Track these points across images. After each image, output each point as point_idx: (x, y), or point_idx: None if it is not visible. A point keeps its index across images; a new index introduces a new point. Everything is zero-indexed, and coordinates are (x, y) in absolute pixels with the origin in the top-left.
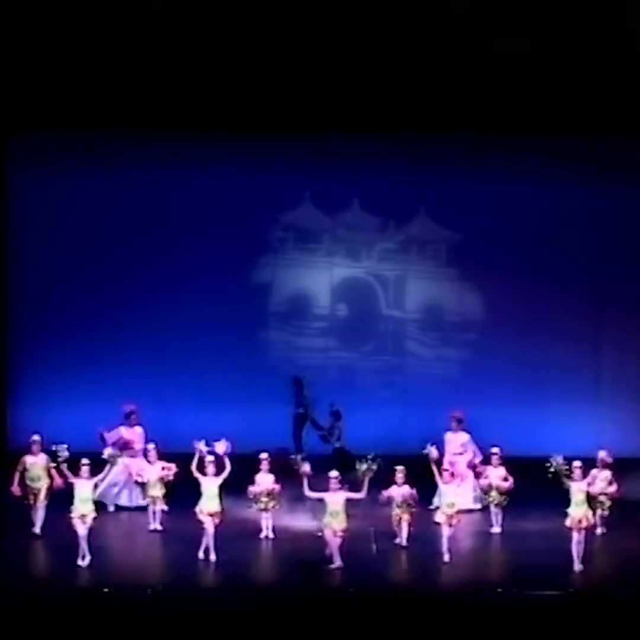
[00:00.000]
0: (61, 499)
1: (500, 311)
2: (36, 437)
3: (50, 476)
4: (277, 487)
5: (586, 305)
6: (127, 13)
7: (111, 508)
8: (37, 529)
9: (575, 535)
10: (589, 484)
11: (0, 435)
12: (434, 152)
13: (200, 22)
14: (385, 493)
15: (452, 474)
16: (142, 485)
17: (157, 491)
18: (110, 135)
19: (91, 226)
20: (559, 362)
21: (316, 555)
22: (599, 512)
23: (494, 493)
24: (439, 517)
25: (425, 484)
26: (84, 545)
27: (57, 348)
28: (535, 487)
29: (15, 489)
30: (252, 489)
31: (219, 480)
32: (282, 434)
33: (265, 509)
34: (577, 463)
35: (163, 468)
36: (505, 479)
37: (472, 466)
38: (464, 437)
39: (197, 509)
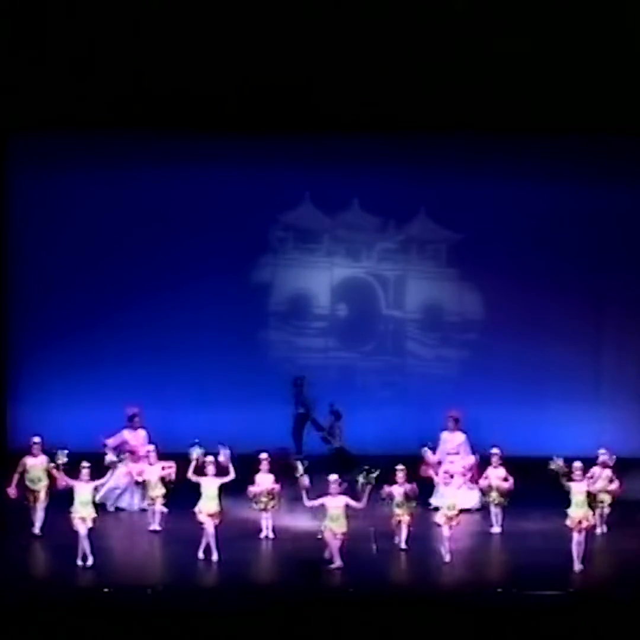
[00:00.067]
0: (61, 499)
1: (500, 311)
2: (37, 439)
3: (51, 477)
4: (277, 486)
5: (586, 305)
6: (127, 13)
7: (111, 509)
8: (36, 530)
9: (575, 536)
10: (590, 482)
11: (0, 435)
12: (434, 152)
13: (200, 22)
14: (387, 488)
15: (452, 476)
16: (143, 486)
17: (158, 491)
18: (110, 135)
19: (91, 226)
20: (559, 362)
21: (316, 555)
22: (598, 511)
23: (494, 493)
24: (440, 518)
25: (425, 484)
26: (85, 546)
27: (57, 348)
28: (535, 487)
29: (12, 490)
30: (251, 489)
31: (219, 481)
32: (282, 434)
33: (265, 509)
34: (577, 464)
35: (163, 468)
36: (506, 479)
37: (467, 470)
38: (460, 437)
39: (196, 509)
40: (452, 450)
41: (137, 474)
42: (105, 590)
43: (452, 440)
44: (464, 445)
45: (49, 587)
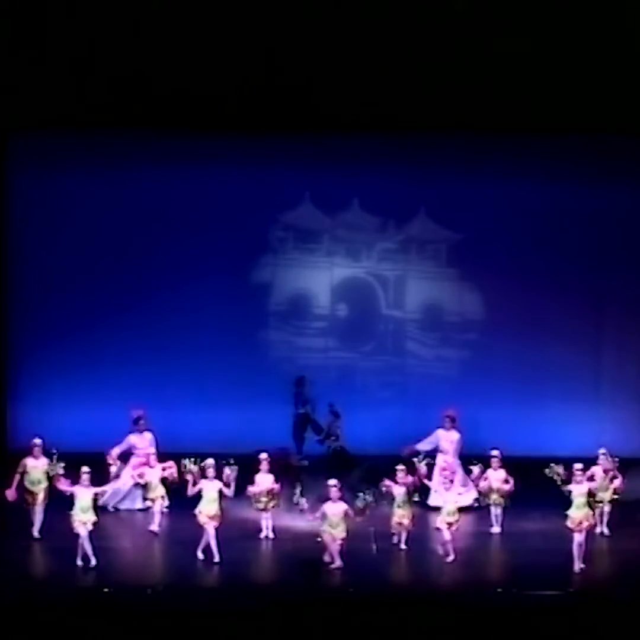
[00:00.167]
0: (60, 501)
1: (500, 311)
2: (38, 441)
3: (51, 480)
4: (276, 486)
5: (586, 305)
6: (127, 13)
7: (111, 509)
8: (35, 532)
9: (576, 536)
10: (590, 480)
11: (0, 436)
12: (434, 152)
13: (200, 22)
14: (388, 482)
15: (452, 481)
16: (143, 488)
17: (158, 493)
18: (110, 135)
19: (91, 226)
20: (559, 362)
21: (316, 555)
22: (598, 511)
23: (494, 495)
24: (440, 523)
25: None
26: (87, 548)
27: (57, 348)
28: (535, 488)
29: (12, 493)
30: (251, 489)
31: (219, 484)
32: (282, 434)
33: (265, 509)
34: (578, 465)
35: (164, 469)
36: (506, 481)
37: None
38: (454, 435)
39: (196, 511)
40: (446, 449)
41: (138, 477)
42: (105, 590)
43: (447, 439)
44: (456, 445)
45: (49, 587)
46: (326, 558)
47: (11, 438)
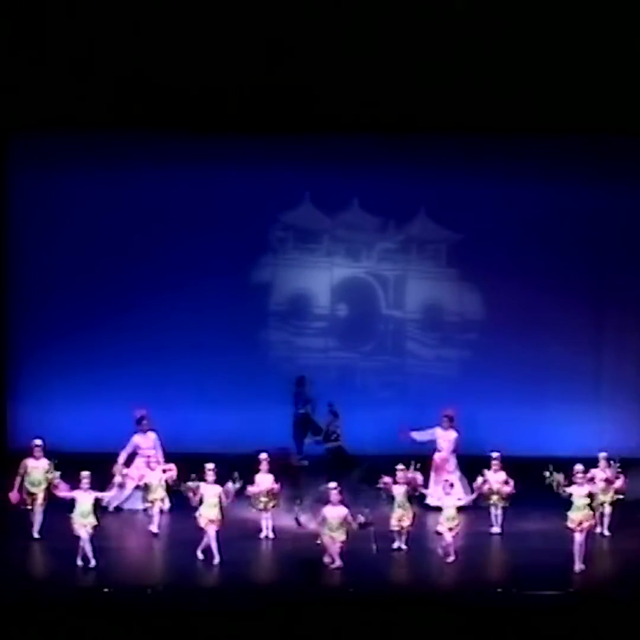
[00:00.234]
0: (60, 501)
1: (500, 311)
2: (38, 442)
3: (51, 484)
4: (276, 486)
5: (586, 305)
6: (127, 13)
7: (111, 509)
8: (35, 533)
9: (576, 536)
10: (590, 482)
11: (0, 436)
12: (434, 152)
13: (200, 22)
14: (386, 479)
15: (452, 485)
16: (144, 490)
17: (158, 495)
18: (110, 135)
19: (91, 226)
20: (559, 362)
21: (316, 555)
22: (598, 512)
23: (494, 496)
24: (440, 527)
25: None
26: (88, 550)
27: (58, 348)
28: (535, 488)
29: (14, 495)
30: (250, 489)
31: (219, 489)
32: (282, 434)
33: (265, 509)
34: (578, 467)
35: (164, 471)
36: (506, 483)
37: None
38: (452, 435)
39: (197, 514)
40: (443, 448)
41: (138, 479)
42: (105, 590)
43: (445, 438)
44: (454, 444)
45: (49, 587)
46: (326, 559)
47: (11, 438)
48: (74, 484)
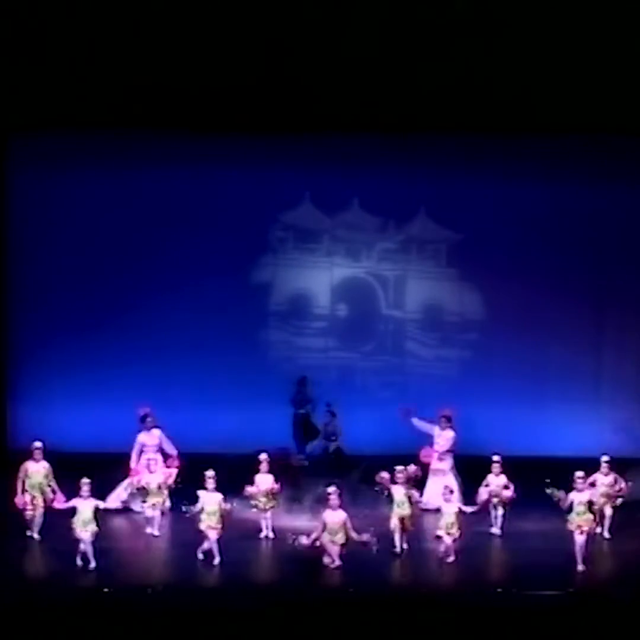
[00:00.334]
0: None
1: (500, 311)
2: (38, 444)
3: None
4: (276, 487)
5: (586, 305)
6: (127, 13)
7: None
8: (35, 534)
9: (577, 538)
10: (593, 492)
11: (0, 436)
12: (434, 152)
13: (200, 22)
14: (384, 475)
15: (452, 491)
16: (143, 491)
17: (157, 497)
18: (110, 135)
19: (91, 226)
20: (559, 362)
21: (316, 555)
22: (599, 513)
23: (494, 499)
24: (440, 532)
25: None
26: (89, 551)
27: (58, 348)
28: (535, 488)
29: (20, 499)
30: (249, 489)
31: (219, 496)
32: (282, 434)
33: (265, 510)
34: (579, 473)
35: (163, 474)
36: (506, 487)
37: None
38: (449, 434)
39: (197, 519)
40: (441, 448)
41: (137, 482)
42: (105, 590)
43: (442, 437)
44: (451, 444)
45: (49, 587)
46: (326, 559)
47: (11, 438)
48: (74, 486)
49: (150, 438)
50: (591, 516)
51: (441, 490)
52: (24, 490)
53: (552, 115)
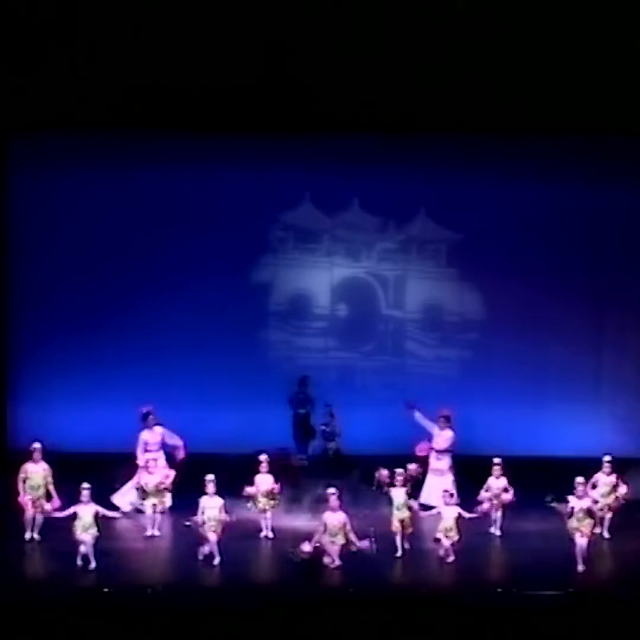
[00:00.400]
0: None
1: (500, 311)
2: (37, 445)
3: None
4: (276, 487)
5: (586, 305)
6: (127, 13)
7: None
8: (35, 535)
9: (578, 540)
10: (593, 505)
11: (0, 436)
12: (434, 152)
13: (200, 22)
14: (384, 471)
15: (452, 495)
16: (143, 493)
17: (157, 498)
18: (110, 135)
19: (91, 226)
20: (559, 362)
21: (316, 555)
22: (600, 515)
23: (494, 501)
24: (439, 535)
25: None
26: (90, 553)
27: (58, 348)
28: (535, 488)
29: (24, 499)
30: (248, 489)
31: (220, 501)
32: (282, 434)
33: (264, 510)
34: (579, 479)
35: (162, 475)
36: (506, 490)
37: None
38: (448, 434)
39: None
40: (440, 448)
41: (137, 483)
42: (105, 590)
43: (441, 437)
44: (450, 444)
45: (48, 587)
46: (326, 559)
47: (11, 438)
48: (74, 486)
49: (153, 436)
50: (591, 521)
51: (439, 489)
52: (24, 491)
53: (552, 115)
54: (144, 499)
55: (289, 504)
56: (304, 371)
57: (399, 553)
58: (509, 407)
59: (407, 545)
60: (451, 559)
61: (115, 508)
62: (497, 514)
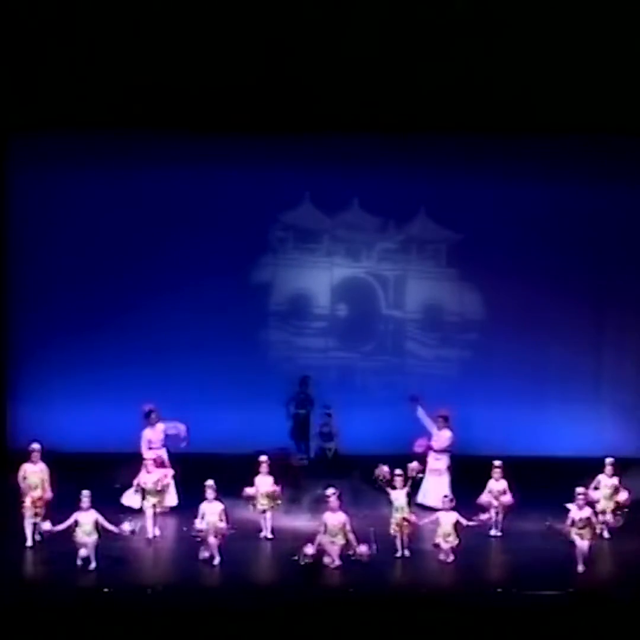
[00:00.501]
0: (60, 502)
1: (500, 311)
2: (36, 446)
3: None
4: (277, 489)
5: (586, 305)
6: (127, 13)
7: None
8: (36, 536)
9: (579, 543)
10: (596, 488)
11: (0, 436)
12: (434, 152)
13: (200, 22)
14: (384, 468)
15: (452, 499)
16: (142, 493)
17: (156, 499)
18: (110, 135)
19: (91, 226)
20: (559, 362)
21: (316, 555)
22: (601, 517)
23: (494, 503)
24: (438, 539)
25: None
26: (91, 554)
27: (58, 348)
28: (535, 488)
29: (25, 506)
30: (248, 490)
31: (220, 506)
32: (282, 434)
33: (264, 511)
34: (580, 489)
35: (159, 474)
36: (504, 493)
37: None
38: (446, 434)
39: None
40: (438, 448)
41: (136, 484)
42: (105, 590)
43: (439, 437)
44: (448, 444)
45: (48, 587)
46: (326, 560)
47: (11, 438)
48: (74, 486)
49: (155, 434)
50: (592, 529)
51: (437, 489)
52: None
53: (552, 115)
54: (143, 499)
55: (288, 504)
56: (304, 371)
57: (399, 554)
58: (508, 407)
59: (407, 553)
60: (451, 558)
61: (124, 508)
62: (499, 517)
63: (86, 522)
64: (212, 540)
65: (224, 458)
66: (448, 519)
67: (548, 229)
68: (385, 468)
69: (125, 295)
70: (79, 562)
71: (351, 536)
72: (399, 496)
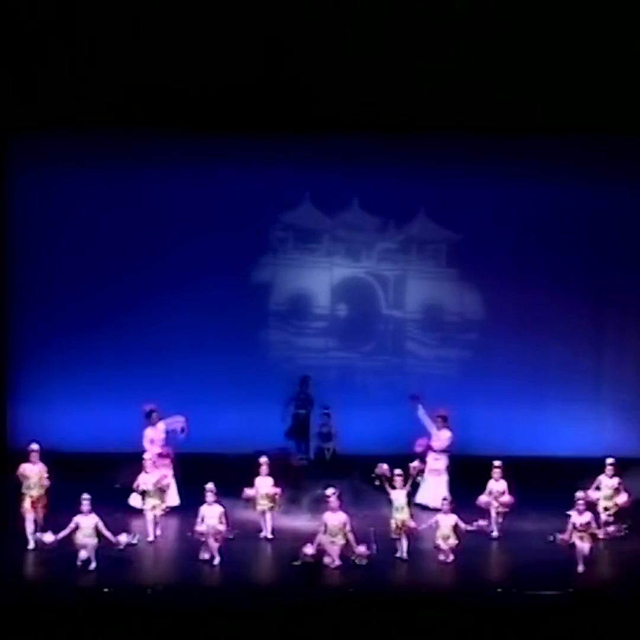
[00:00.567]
0: (60, 502)
1: (500, 311)
2: (35, 446)
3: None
4: (277, 490)
5: (586, 305)
6: (127, 13)
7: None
8: (37, 535)
9: (579, 544)
10: (597, 489)
11: (0, 435)
12: (434, 152)
13: (200, 22)
14: (384, 467)
15: (452, 501)
16: (142, 494)
17: (156, 500)
18: (110, 135)
19: (91, 226)
20: (559, 362)
21: (316, 555)
22: (601, 518)
23: (494, 503)
24: (438, 541)
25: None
26: (92, 556)
27: (58, 348)
28: (535, 488)
29: (25, 508)
30: (247, 491)
31: (220, 508)
32: (282, 434)
33: (264, 512)
34: (579, 494)
35: (158, 475)
36: (504, 493)
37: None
38: (445, 434)
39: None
40: (437, 448)
41: (135, 485)
42: (105, 590)
43: (438, 437)
44: (447, 444)
45: (48, 587)
46: (326, 560)
47: (11, 438)
48: (74, 487)
49: (157, 433)
50: (593, 533)
51: (435, 489)
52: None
53: (552, 115)
54: (143, 500)
55: (288, 504)
56: (304, 371)
57: (398, 554)
58: (508, 407)
59: (406, 556)
60: (451, 558)
61: (132, 509)
62: (499, 518)
63: (87, 525)
64: (212, 543)
65: (224, 458)
66: (447, 522)
67: (548, 229)
68: (385, 466)
69: (125, 295)
70: (79, 562)
71: (351, 536)
72: (399, 496)
